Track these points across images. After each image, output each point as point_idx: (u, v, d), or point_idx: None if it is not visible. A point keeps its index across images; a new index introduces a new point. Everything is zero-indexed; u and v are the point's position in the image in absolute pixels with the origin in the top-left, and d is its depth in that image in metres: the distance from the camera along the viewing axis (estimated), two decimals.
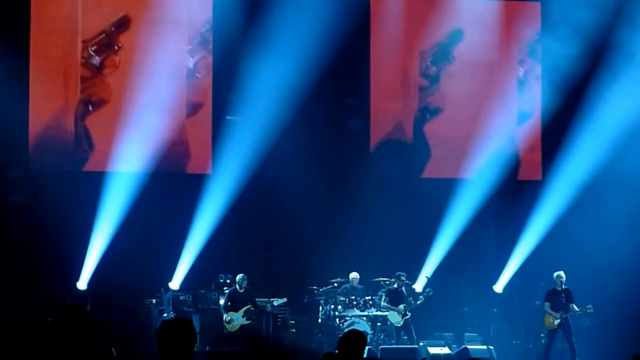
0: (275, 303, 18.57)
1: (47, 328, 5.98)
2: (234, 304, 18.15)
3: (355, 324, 18.19)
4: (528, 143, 20.95)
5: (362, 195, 20.11)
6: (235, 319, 18.05)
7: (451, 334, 19.54)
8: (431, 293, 18.52)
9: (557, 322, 17.96)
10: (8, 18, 19.18)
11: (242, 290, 18.20)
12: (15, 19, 19.21)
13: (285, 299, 18.70)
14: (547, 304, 18.18)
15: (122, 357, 15.63)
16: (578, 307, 18.00)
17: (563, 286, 18.14)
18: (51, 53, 19.35)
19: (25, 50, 19.20)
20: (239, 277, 18.27)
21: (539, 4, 20.91)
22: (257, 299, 18.34)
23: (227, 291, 18.70)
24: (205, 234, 19.28)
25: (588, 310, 18.04)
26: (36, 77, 19.26)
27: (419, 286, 19.31)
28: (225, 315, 18.09)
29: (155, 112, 19.42)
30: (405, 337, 18.31)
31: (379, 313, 18.46)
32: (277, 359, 7.54)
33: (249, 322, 18.11)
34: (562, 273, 18.21)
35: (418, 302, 18.34)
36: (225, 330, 18.12)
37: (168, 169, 19.70)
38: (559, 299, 18.05)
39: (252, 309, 18.14)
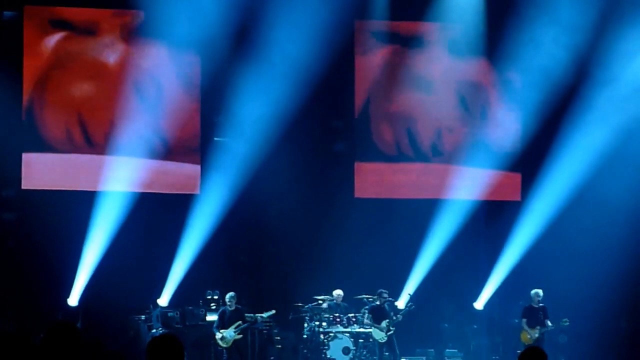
0: (264, 315, 18.71)
1: (38, 344, 6.07)
2: (225, 322, 18.27)
3: (339, 340, 18.54)
4: (508, 164, 21.24)
5: (347, 214, 20.42)
6: (228, 335, 18.17)
7: (432, 350, 19.74)
8: (413, 307, 18.67)
9: (535, 337, 18.24)
10: (2, 42, 19.48)
11: (232, 308, 18.30)
12: (8, 42, 19.50)
13: (273, 311, 18.81)
14: (524, 320, 18.42)
15: None
16: (552, 323, 18.26)
17: (540, 304, 18.50)
18: (43, 74, 19.60)
19: (18, 72, 19.49)
20: (228, 295, 18.34)
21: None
22: (245, 315, 18.53)
23: (215, 309, 18.98)
24: (193, 252, 19.48)
25: (564, 324, 18.32)
26: (29, 98, 19.55)
27: (401, 303, 19.41)
28: (217, 334, 18.19)
29: (145, 133, 19.77)
30: (387, 353, 18.51)
31: (361, 330, 18.62)
32: None
33: (241, 336, 18.25)
34: (539, 291, 18.43)
35: (400, 317, 18.61)
36: (219, 347, 18.31)
37: (157, 189, 20.02)
38: (535, 316, 18.26)
39: (244, 324, 18.27)
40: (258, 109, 19.71)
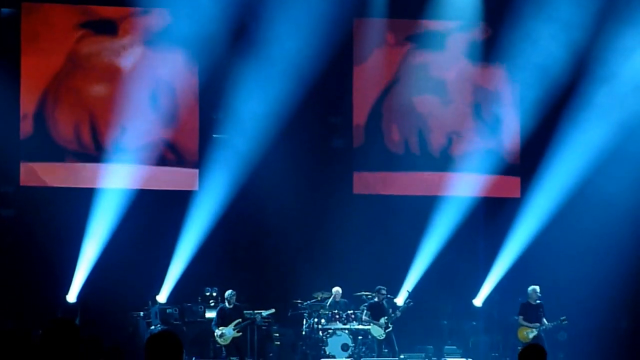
0: (264, 314, 18.78)
1: (37, 341, 6.06)
2: (224, 320, 18.32)
3: (337, 337, 18.57)
4: (508, 161, 21.25)
5: (345, 211, 20.43)
6: (227, 332, 18.21)
7: (431, 346, 19.75)
8: (412, 304, 18.73)
9: (531, 335, 18.25)
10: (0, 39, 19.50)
11: (230, 306, 18.34)
12: (6, 37, 19.45)
13: (273, 310, 18.90)
14: (521, 317, 18.45)
15: None
16: (548, 321, 18.28)
17: (537, 301, 18.49)
18: (42, 71, 19.61)
19: (16, 67, 19.43)
20: (227, 293, 18.40)
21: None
22: (244, 312, 18.61)
23: (213, 305, 19.02)
24: (191, 248, 19.48)
25: (563, 322, 18.36)
26: (27, 93, 19.51)
27: (400, 300, 19.48)
28: (216, 331, 18.23)
29: (143, 130, 19.76)
30: (386, 350, 18.55)
31: (360, 326, 18.67)
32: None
33: (240, 334, 18.30)
34: (537, 287, 18.45)
35: (399, 314, 18.65)
36: (217, 344, 18.34)
37: (156, 185, 20.03)
38: (533, 312, 18.30)
39: (243, 322, 18.34)
40: (257, 105, 19.72)
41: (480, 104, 21.26)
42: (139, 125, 19.62)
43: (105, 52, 19.86)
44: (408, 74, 20.96)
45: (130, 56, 19.83)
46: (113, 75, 19.78)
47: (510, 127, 21.20)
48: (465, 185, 20.88)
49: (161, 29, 19.78)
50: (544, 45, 20.37)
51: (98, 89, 19.83)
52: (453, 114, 21.12)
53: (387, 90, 21.05)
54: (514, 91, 21.17)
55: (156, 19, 19.82)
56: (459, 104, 21.17)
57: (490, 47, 20.95)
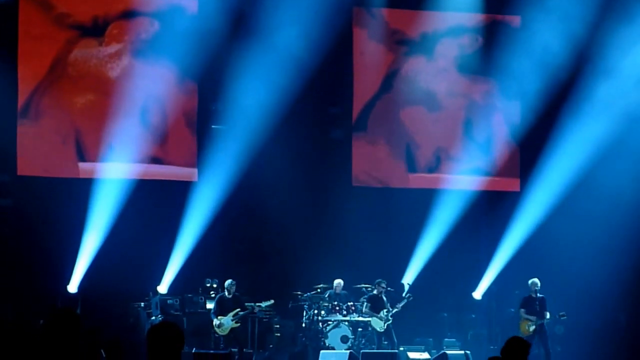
0: (263, 305, 18.83)
1: (38, 331, 6.19)
2: (223, 309, 18.31)
3: (337, 328, 18.61)
4: (507, 154, 21.26)
5: (346, 202, 20.46)
6: (225, 323, 18.21)
7: (431, 339, 19.80)
8: (411, 298, 18.79)
9: (532, 328, 18.28)
10: None
11: (230, 296, 18.33)
12: (3, 26, 19.42)
13: (272, 301, 18.92)
14: (522, 310, 18.47)
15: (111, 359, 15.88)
16: (550, 315, 18.30)
17: (538, 294, 18.49)
18: (40, 59, 19.53)
19: (13, 55, 19.36)
20: (227, 282, 18.39)
21: (519, 17, 21.09)
22: (244, 303, 18.60)
23: (214, 296, 19.04)
24: (192, 239, 19.52)
25: (561, 318, 18.38)
26: (24, 82, 19.44)
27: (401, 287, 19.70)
28: (215, 320, 18.24)
29: (142, 120, 19.74)
30: (386, 342, 18.58)
31: (360, 318, 18.71)
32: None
33: (238, 324, 18.31)
34: (536, 280, 18.47)
35: (399, 307, 18.70)
36: (216, 335, 18.34)
37: (156, 176, 20.03)
38: (533, 306, 18.28)
39: (241, 312, 18.38)
40: (255, 96, 19.71)
41: (471, 119, 21.19)
42: (135, 147, 19.55)
43: (92, 60, 19.75)
44: (397, 84, 20.91)
45: (133, 73, 19.62)
46: (102, 86, 19.64)
47: (502, 140, 21.17)
48: (465, 180, 20.91)
49: (160, 20, 19.75)
50: (544, 38, 20.38)
51: (85, 101, 19.73)
52: (442, 128, 21.03)
53: (373, 103, 20.98)
54: (508, 106, 21.12)
55: (146, 23, 19.76)
56: (449, 117, 21.07)
57: (483, 59, 20.91)
